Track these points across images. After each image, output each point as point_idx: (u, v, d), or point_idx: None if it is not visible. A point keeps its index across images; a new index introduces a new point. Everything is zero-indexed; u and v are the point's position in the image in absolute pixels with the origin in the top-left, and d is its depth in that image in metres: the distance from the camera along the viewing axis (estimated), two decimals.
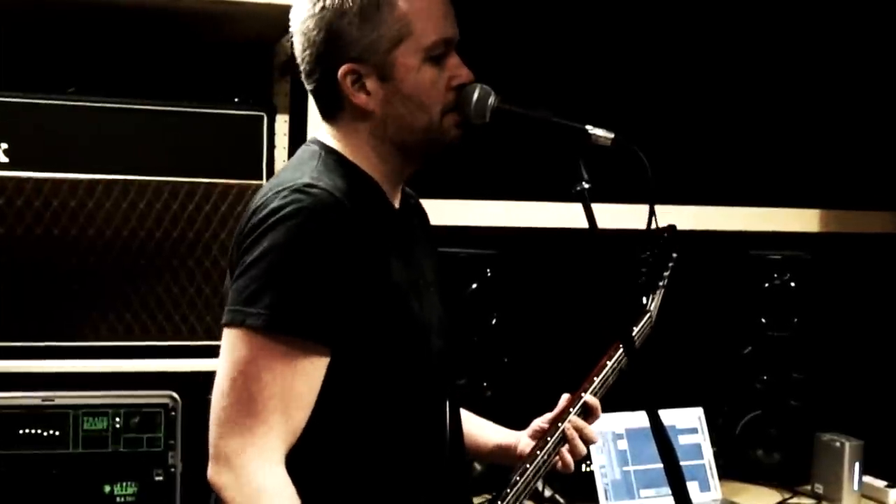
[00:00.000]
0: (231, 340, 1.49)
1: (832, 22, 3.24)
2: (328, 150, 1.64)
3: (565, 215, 2.75)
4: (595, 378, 1.92)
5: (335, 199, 1.50)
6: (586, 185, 1.59)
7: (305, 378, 1.49)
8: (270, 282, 1.47)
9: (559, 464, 1.87)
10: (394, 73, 1.59)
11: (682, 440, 2.76)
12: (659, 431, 1.52)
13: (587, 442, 1.88)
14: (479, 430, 1.95)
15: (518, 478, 1.81)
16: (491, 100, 1.65)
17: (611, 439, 2.69)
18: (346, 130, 1.65)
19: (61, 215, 2.22)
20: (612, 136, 1.60)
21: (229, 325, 1.49)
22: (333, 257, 1.48)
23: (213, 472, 1.48)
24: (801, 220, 3.14)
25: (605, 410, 2.66)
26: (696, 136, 3.15)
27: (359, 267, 1.51)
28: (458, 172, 2.86)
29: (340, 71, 1.59)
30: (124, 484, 2.22)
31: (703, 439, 2.79)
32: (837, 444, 2.86)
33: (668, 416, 2.71)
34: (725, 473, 2.87)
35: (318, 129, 1.71)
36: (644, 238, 1.67)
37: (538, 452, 1.84)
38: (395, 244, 1.62)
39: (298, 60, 1.65)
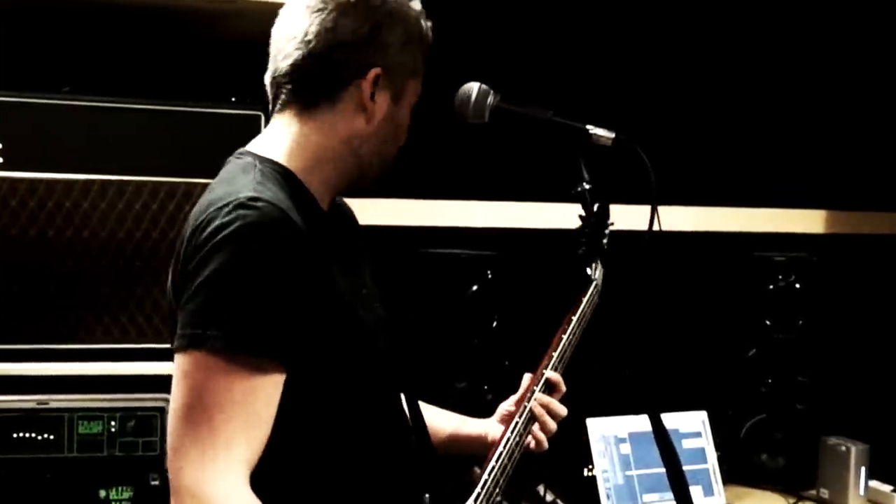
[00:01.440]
0: (186, 365, 1.46)
1: (837, 21, 3.25)
2: (262, 160, 1.61)
3: (566, 216, 2.75)
4: (553, 353, 1.95)
5: (280, 211, 1.48)
6: (587, 186, 1.59)
7: (266, 397, 1.47)
8: (224, 302, 1.44)
9: (532, 443, 1.87)
10: (402, 99, 1.66)
11: (686, 444, 2.76)
12: (661, 435, 1.52)
13: (555, 417, 1.90)
14: (446, 423, 1.97)
15: (494, 463, 1.80)
16: (490, 99, 1.65)
17: (613, 443, 2.69)
18: (318, 126, 1.63)
19: (56, 216, 2.22)
20: (612, 135, 1.61)
21: (185, 348, 1.46)
22: (284, 273, 1.47)
23: None
24: (807, 220, 3.14)
25: (608, 414, 2.68)
26: (699, 136, 3.15)
27: (308, 280, 1.50)
28: (457, 173, 2.87)
29: (373, 71, 1.61)
30: (120, 488, 2.22)
31: (707, 443, 2.79)
32: (843, 448, 2.86)
33: (671, 420, 2.71)
34: (729, 478, 2.87)
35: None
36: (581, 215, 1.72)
37: (509, 435, 1.84)
38: (335, 253, 1.62)
39: (306, 35, 1.60)
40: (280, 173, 1.60)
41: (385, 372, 1.70)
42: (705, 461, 2.78)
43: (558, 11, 3.01)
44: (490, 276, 2.76)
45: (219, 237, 1.46)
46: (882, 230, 3.18)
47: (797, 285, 3.01)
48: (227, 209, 1.48)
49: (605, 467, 2.66)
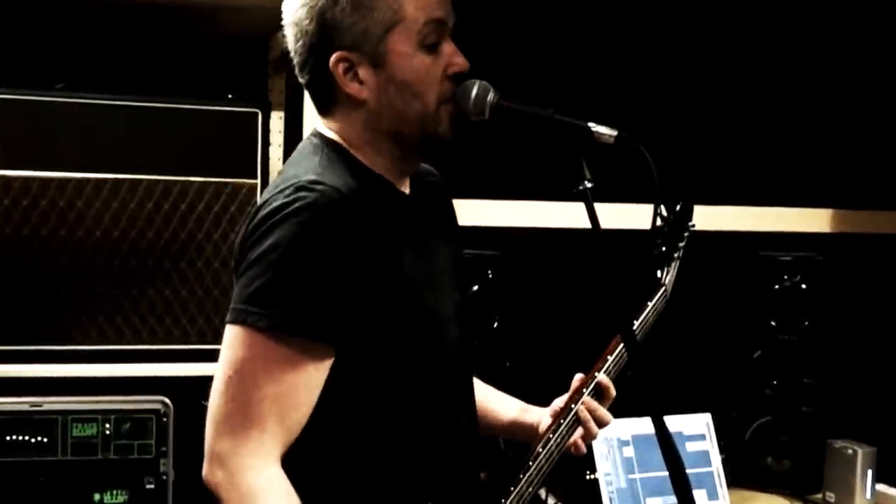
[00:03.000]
0: (231, 338, 1.50)
1: (844, 18, 3.24)
2: (329, 144, 1.64)
3: (568, 215, 2.75)
4: (608, 357, 1.91)
5: (340, 194, 1.51)
6: (589, 185, 1.59)
7: (306, 379, 1.50)
8: (274, 280, 1.48)
9: (571, 447, 1.86)
10: (387, 60, 1.59)
11: (690, 447, 2.76)
12: (664, 438, 1.52)
13: (601, 424, 1.87)
14: (508, 410, 1.95)
15: (531, 463, 1.81)
16: (490, 96, 1.65)
17: (616, 446, 2.68)
18: (342, 123, 1.65)
19: (50, 215, 2.22)
20: (615, 133, 1.61)
21: (232, 322, 1.50)
22: (338, 255, 1.49)
23: (207, 472, 1.50)
24: (813, 219, 3.14)
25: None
26: (704, 134, 3.15)
27: (366, 263, 1.52)
28: (457, 171, 2.86)
29: (332, 59, 1.59)
30: (114, 492, 2.23)
31: (711, 446, 2.79)
32: (850, 451, 2.86)
33: (675, 423, 2.71)
34: (734, 481, 2.87)
35: (316, 124, 1.71)
36: (657, 209, 1.67)
37: (550, 436, 1.83)
38: (406, 235, 1.62)
39: (292, 53, 1.65)
40: (344, 158, 1.62)
41: (452, 362, 1.69)
42: (709, 464, 2.78)
43: (560, 7, 3.01)
44: (491, 275, 2.76)
45: (276, 217, 1.50)
46: (890, 229, 3.17)
47: (803, 285, 3.01)
48: (287, 190, 1.52)
49: (608, 471, 2.66)
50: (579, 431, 1.86)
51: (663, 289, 2.04)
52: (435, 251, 1.72)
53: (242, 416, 1.47)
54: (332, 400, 1.53)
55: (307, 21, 1.60)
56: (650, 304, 2.00)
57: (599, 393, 1.89)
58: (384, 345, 1.56)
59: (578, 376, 1.92)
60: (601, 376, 1.89)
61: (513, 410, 1.95)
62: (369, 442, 1.59)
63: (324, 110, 1.67)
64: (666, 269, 2.06)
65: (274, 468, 1.48)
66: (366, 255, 1.52)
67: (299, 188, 1.51)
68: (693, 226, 1.87)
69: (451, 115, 1.64)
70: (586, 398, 1.87)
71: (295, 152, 1.68)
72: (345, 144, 1.64)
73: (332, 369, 1.53)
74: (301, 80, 1.68)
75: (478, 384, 1.90)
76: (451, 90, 1.63)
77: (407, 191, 1.70)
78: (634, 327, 1.95)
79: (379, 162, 1.65)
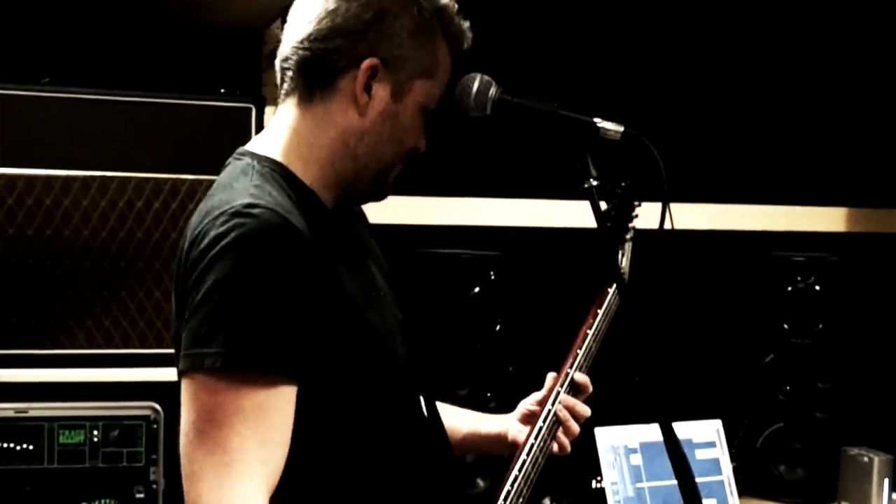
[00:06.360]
0: (192, 388, 1.46)
1: (857, 14, 3.25)
2: (261, 160, 1.61)
3: (572, 214, 2.75)
4: (577, 351, 1.92)
5: (279, 217, 1.48)
6: (594, 182, 1.59)
7: (279, 414, 1.47)
8: (224, 318, 1.44)
9: (555, 447, 1.87)
10: (404, 98, 1.62)
11: (699, 455, 2.76)
12: (673, 445, 1.52)
13: (580, 419, 1.89)
14: (462, 422, 1.96)
15: (517, 472, 1.81)
16: (492, 91, 1.64)
17: (623, 454, 2.69)
18: (313, 119, 1.62)
19: (36, 214, 2.22)
20: (621, 129, 1.61)
21: (188, 371, 1.46)
22: (285, 282, 1.47)
23: None
24: (827, 218, 3.14)
25: (617, 423, 2.68)
26: (715, 132, 3.15)
27: (312, 287, 1.49)
28: (458, 168, 2.87)
29: (368, 60, 1.58)
30: (103, 501, 2.23)
31: (722, 454, 2.79)
32: (865, 458, 2.86)
33: (684, 430, 2.71)
34: (745, 490, 2.88)
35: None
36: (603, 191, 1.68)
37: (532, 441, 1.84)
38: (341, 255, 1.61)
39: (311, 18, 1.60)
40: (279, 173, 1.60)
41: (404, 379, 1.68)
42: (720, 473, 2.78)
43: (565, 1, 3.01)
44: (493, 277, 2.76)
45: (215, 249, 1.46)
46: None
47: (817, 287, 3.01)
48: (223, 218, 1.48)
49: (615, 479, 2.66)
50: (560, 431, 1.88)
51: (621, 272, 2.03)
52: (367, 268, 1.71)
53: (226, 465, 1.42)
54: (299, 432, 1.50)
55: (364, 10, 1.58)
56: (610, 291, 2.00)
57: (575, 388, 1.91)
58: (337, 367, 1.54)
59: (551, 375, 1.93)
60: (575, 373, 1.91)
61: (467, 422, 1.96)
62: (339, 466, 1.57)
63: (304, 94, 1.63)
64: (619, 252, 2.04)
65: None
66: (310, 277, 1.49)
67: (235, 214, 1.47)
68: (639, 205, 1.87)
69: (390, 183, 1.69)
70: (563, 396, 1.88)
71: (222, 174, 1.64)
72: (281, 154, 1.62)
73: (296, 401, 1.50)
74: (294, 49, 1.62)
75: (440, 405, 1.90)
76: (408, 156, 1.67)
77: (330, 207, 1.67)
78: (598, 317, 1.97)
79: (322, 175, 1.63)
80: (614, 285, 2.00)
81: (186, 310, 1.49)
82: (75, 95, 2.25)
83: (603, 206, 1.65)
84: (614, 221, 1.67)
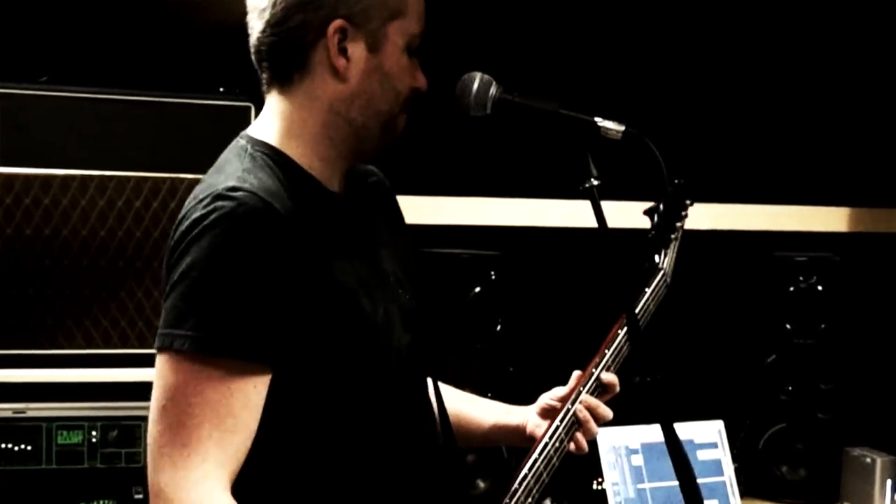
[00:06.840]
0: (160, 366, 1.48)
1: (860, 14, 3.24)
2: (255, 144, 1.60)
3: (573, 213, 2.75)
4: (606, 350, 1.87)
5: (260, 200, 1.48)
6: (595, 182, 1.58)
7: (242, 401, 1.47)
8: (195, 301, 1.46)
9: (572, 447, 1.84)
10: (383, 46, 1.58)
11: (701, 455, 2.76)
12: (674, 446, 1.52)
13: (600, 421, 1.84)
14: (489, 414, 1.92)
15: (528, 471, 1.79)
16: (492, 90, 1.64)
17: (625, 455, 2.68)
18: (299, 101, 1.61)
19: (34, 213, 2.22)
20: (622, 128, 1.60)
21: (158, 349, 1.48)
22: (262, 267, 1.47)
23: None
24: (830, 219, 3.14)
25: (618, 424, 2.67)
26: (717, 131, 3.15)
27: (291, 272, 1.49)
28: (458, 168, 2.87)
29: (332, 25, 1.56)
30: (101, 502, 2.23)
31: (724, 455, 2.79)
32: (868, 459, 2.86)
33: (686, 430, 2.71)
34: (747, 491, 2.87)
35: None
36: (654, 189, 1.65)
37: (547, 440, 1.80)
38: (338, 238, 1.60)
39: (263, 4, 1.60)
40: (272, 157, 1.58)
41: (403, 369, 1.66)
42: (722, 473, 2.78)
43: (566, 1, 3.01)
44: (493, 276, 2.76)
45: (194, 231, 1.47)
46: None
47: (819, 287, 3.01)
48: (206, 201, 1.49)
49: (616, 480, 2.66)
50: (579, 432, 1.83)
51: (662, 273, 1.99)
52: (374, 254, 1.68)
53: (181, 444, 1.44)
54: (275, 420, 1.51)
55: None
56: (649, 291, 1.96)
57: (602, 388, 1.86)
58: (320, 357, 1.54)
59: (576, 373, 1.88)
60: (603, 373, 1.85)
61: (494, 414, 1.92)
62: (318, 460, 1.57)
63: (283, 81, 1.61)
64: (664, 252, 2.01)
65: (222, 496, 1.45)
66: (291, 263, 1.49)
67: (217, 197, 1.48)
68: (690, 204, 1.84)
69: (403, 127, 1.65)
70: (585, 396, 1.83)
71: (220, 157, 1.64)
72: (275, 138, 1.61)
73: (272, 388, 1.50)
74: (260, 39, 1.61)
75: (453, 392, 1.89)
76: (410, 100, 1.63)
77: (337, 190, 1.67)
78: (637, 314, 1.90)
79: (315, 157, 1.61)
80: (653, 283, 1.97)
81: (166, 287, 1.50)
82: (74, 94, 2.25)
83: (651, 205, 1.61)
84: (664, 214, 1.66)
